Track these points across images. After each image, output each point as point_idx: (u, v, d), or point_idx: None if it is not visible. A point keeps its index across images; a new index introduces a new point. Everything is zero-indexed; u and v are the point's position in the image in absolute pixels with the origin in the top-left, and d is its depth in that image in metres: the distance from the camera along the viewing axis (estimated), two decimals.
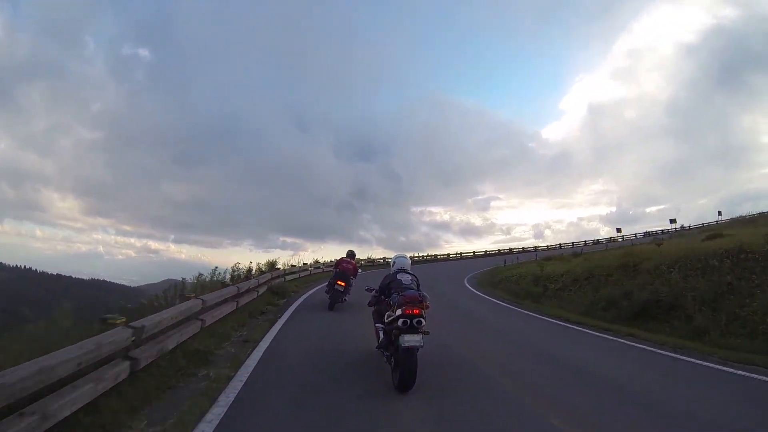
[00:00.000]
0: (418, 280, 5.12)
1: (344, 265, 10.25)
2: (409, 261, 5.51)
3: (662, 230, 41.83)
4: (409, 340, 4.16)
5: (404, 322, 4.24)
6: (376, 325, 5.00)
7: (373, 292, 5.37)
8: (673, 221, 41.73)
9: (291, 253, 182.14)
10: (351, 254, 11.09)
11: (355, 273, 10.49)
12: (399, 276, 4.97)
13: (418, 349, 4.19)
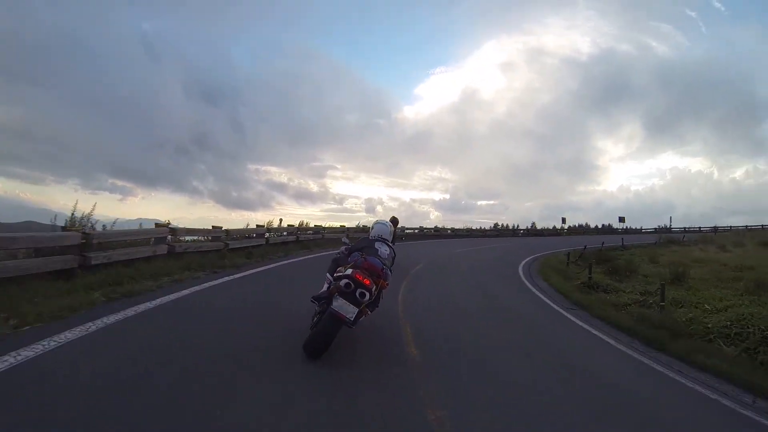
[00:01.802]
0: (395, 256, 4.56)
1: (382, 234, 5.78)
2: (390, 228, 4.76)
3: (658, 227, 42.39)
4: (340, 306, 3.60)
5: (347, 285, 3.66)
6: (326, 275, 4.38)
7: (344, 247, 4.58)
8: (563, 221, 42.07)
9: (119, 197, 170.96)
10: (395, 221, 10.36)
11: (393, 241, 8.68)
12: (377, 245, 4.33)
13: (346, 322, 3.58)
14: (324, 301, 3.89)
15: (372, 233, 4.60)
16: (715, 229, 37.55)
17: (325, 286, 4.17)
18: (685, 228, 40.83)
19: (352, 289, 3.63)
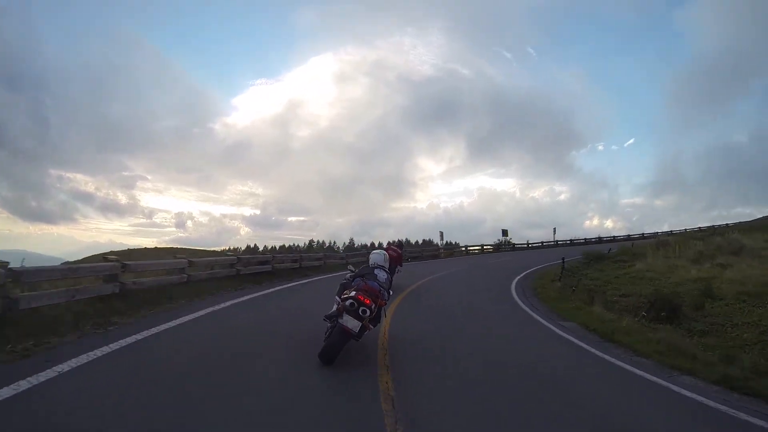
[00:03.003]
0: (392, 281, 5.73)
1: (389, 252, 7.66)
2: (383, 255, 5.71)
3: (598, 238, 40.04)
4: (347, 321, 4.48)
5: (351, 304, 4.52)
6: (336, 297, 5.15)
7: (349, 274, 5.44)
8: (504, 232, 35.91)
9: None
10: (399, 245, 11.25)
11: (399, 263, 10.19)
12: (376, 271, 5.26)
13: (352, 334, 4.47)
14: (334, 318, 4.71)
15: (371, 262, 5.57)
16: (638, 237, 36.63)
17: (335, 306, 4.87)
18: (599, 238, 39.31)
19: (355, 308, 4.52)
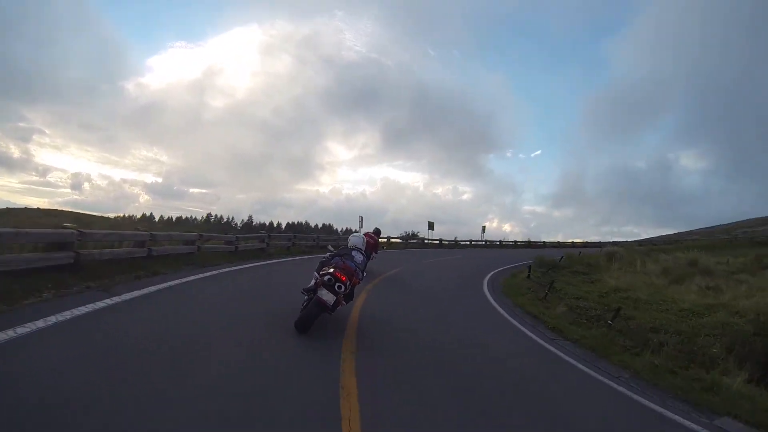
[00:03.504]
0: (367, 262, 6.56)
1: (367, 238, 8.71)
2: (362, 239, 6.14)
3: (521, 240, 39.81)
4: (323, 294, 4.79)
5: (328, 279, 4.84)
6: (314, 273, 5.33)
7: (329, 254, 5.72)
8: (431, 225, 31.94)
9: None
10: (377, 232, 11.55)
11: (375, 249, 10.65)
12: (354, 253, 5.58)
13: (327, 307, 4.79)
14: (312, 291, 4.98)
15: (350, 243, 5.95)
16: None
17: (313, 281, 5.13)
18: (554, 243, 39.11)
19: (332, 283, 4.84)
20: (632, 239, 53.19)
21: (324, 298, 4.77)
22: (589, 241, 45.92)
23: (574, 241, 46.08)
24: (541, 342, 6.87)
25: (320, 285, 4.83)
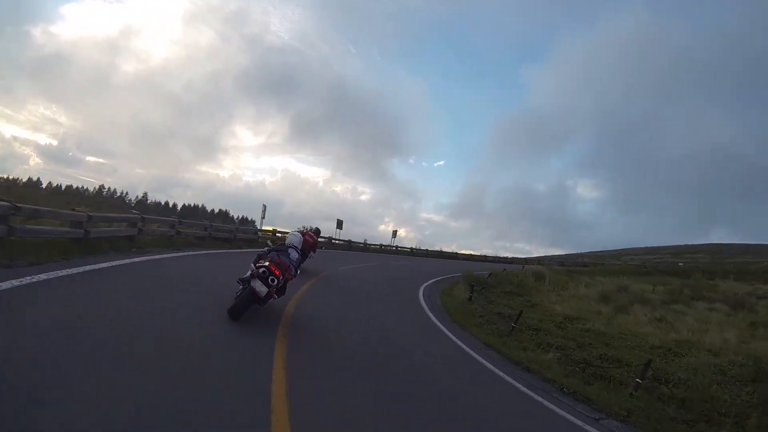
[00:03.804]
0: (301, 261, 6.46)
1: (305, 237, 8.94)
2: (299, 238, 6.41)
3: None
4: (256, 285, 5.07)
5: (263, 272, 5.12)
6: (251, 265, 5.52)
7: (267, 248, 6.07)
8: (339, 224, 29.87)
9: None
10: (317, 232, 11.86)
11: (314, 248, 10.73)
12: (290, 251, 5.89)
13: (259, 297, 5.08)
14: (247, 281, 5.24)
15: (287, 241, 6.21)
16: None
17: (249, 272, 5.31)
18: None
19: (266, 276, 5.12)
20: (523, 256, 56.45)
21: (257, 289, 5.09)
22: (488, 254, 46.71)
23: (486, 254, 46.85)
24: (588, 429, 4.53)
25: (255, 276, 5.16)
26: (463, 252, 44.59)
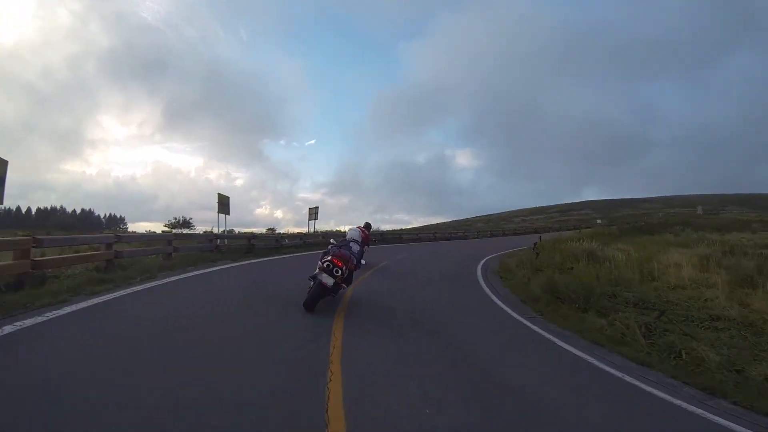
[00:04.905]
0: (363, 253, 7.41)
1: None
2: (358, 232, 7.16)
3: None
4: (323, 278, 5.77)
5: (327, 265, 5.83)
6: (318, 262, 6.15)
7: (330, 246, 6.66)
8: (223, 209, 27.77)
9: None
10: (368, 226, 12.16)
11: (367, 243, 10.85)
12: (351, 244, 6.56)
13: (327, 288, 5.78)
14: (315, 276, 5.94)
15: (348, 236, 7.01)
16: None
17: (317, 269, 5.98)
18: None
19: (330, 268, 5.80)
20: (402, 226, 53.10)
21: (324, 281, 5.76)
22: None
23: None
24: None
25: (322, 270, 5.83)
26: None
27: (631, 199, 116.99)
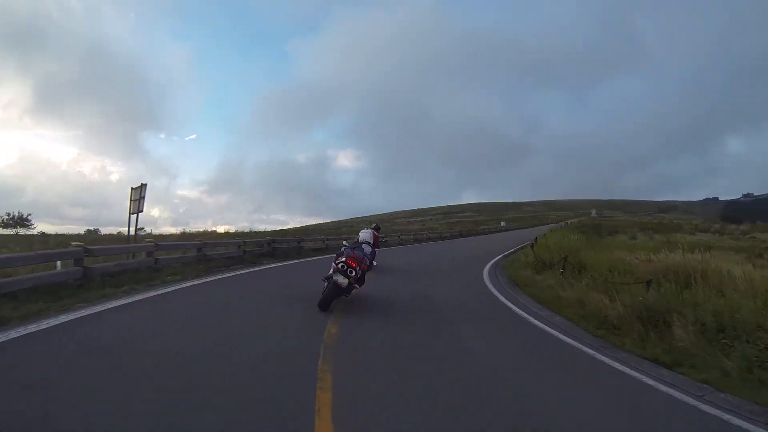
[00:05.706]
0: (375, 253, 8.13)
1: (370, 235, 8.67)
2: (370, 234, 7.76)
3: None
4: (338, 278, 6.15)
5: (341, 266, 6.19)
6: (332, 263, 6.54)
7: (343, 247, 7.23)
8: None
9: None
10: (378, 228, 12.16)
11: (377, 244, 10.17)
12: (363, 246, 7.02)
13: (342, 288, 6.16)
14: (330, 277, 6.28)
15: (360, 238, 7.47)
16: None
17: (331, 270, 6.41)
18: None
19: (344, 269, 6.17)
20: (279, 227, 49.18)
21: (339, 281, 6.13)
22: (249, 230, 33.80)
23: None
24: None
25: (336, 271, 6.21)
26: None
27: (514, 203, 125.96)
